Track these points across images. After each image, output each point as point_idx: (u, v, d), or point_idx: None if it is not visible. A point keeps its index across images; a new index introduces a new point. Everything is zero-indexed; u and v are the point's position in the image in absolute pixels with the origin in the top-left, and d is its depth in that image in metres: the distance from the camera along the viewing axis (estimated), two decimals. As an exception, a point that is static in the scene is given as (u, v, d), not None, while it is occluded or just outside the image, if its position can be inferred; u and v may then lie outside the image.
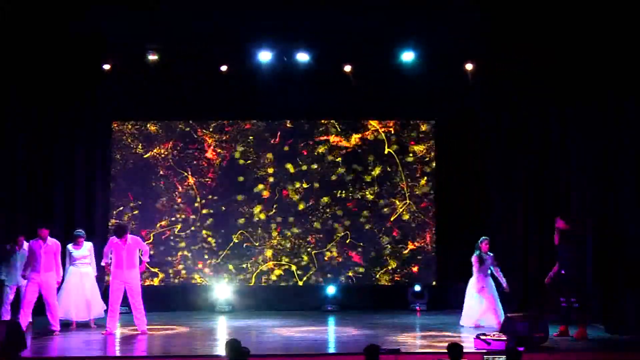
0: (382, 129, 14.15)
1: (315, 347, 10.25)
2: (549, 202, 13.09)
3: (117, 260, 11.21)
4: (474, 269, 11.75)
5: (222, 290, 13.74)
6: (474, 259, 11.76)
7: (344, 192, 14.13)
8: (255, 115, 14.15)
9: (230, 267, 13.92)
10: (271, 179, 14.09)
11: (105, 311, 11.54)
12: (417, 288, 13.80)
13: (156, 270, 13.76)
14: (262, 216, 14.04)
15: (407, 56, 13.23)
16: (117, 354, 10.27)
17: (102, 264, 11.71)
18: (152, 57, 13.02)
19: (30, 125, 13.42)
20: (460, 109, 13.93)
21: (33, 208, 13.29)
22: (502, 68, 13.23)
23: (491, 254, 11.83)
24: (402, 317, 12.87)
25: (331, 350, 10.40)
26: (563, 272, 10.83)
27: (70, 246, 11.93)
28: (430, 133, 14.20)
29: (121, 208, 13.86)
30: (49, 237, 11.34)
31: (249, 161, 14.10)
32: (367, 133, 14.19)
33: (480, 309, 11.70)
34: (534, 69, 12.97)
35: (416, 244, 14.06)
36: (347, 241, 14.02)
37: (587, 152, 12.24)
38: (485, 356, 9.11)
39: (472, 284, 11.85)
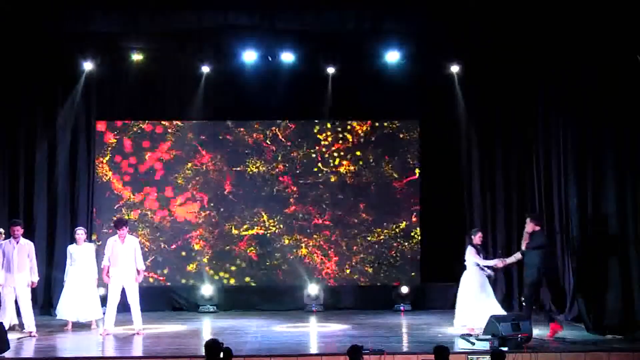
0: (365, 129, 14.19)
1: (298, 348, 10.21)
2: (532, 201, 13.15)
3: (114, 258, 11.12)
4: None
5: (206, 290, 13.67)
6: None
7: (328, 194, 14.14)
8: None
9: (209, 270, 13.90)
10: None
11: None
12: (404, 289, 13.73)
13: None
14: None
15: (392, 56, 13.29)
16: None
17: (102, 266, 11.45)
18: (136, 57, 13.02)
19: (10, 124, 13.33)
20: (444, 109, 13.92)
21: (14, 208, 13.17)
22: (487, 68, 13.38)
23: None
24: (386, 317, 12.87)
25: (314, 350, 10.39)
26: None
27: (70, 246, 11.83)
28: (414, 133, 14.20)
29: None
30: (21, 237, 11.12)
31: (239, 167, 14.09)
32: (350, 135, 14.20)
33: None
34: (518, 69, 13.09)
35: (400, 243, 14.07)
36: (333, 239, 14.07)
37: (569, 151, 12.27)
38: (469, 356, 9.14)
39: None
